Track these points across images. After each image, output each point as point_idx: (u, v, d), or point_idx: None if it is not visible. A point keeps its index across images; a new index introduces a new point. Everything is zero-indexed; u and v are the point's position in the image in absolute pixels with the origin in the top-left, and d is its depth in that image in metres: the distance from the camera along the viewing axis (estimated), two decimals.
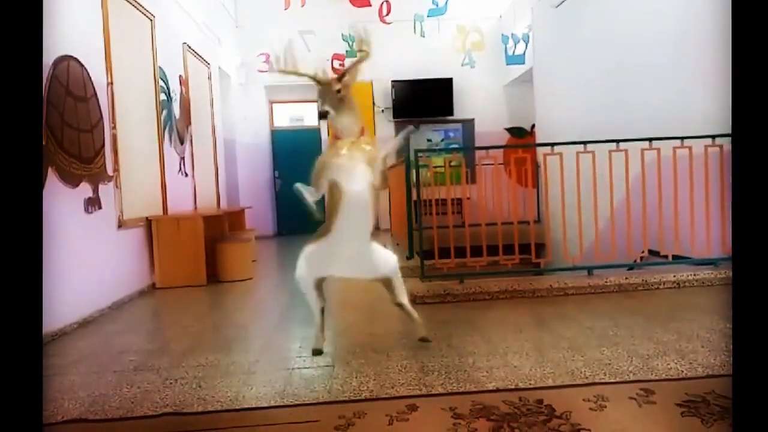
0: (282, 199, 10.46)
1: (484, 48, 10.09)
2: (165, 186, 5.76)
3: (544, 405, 2.13)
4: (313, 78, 2.75)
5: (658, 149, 4.26)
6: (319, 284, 2.95)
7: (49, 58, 3.73)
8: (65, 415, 2.29)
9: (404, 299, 2.97)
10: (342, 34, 9.45)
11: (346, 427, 2.03)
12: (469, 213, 4.97)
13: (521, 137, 10.27)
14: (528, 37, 8.85)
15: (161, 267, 5.23)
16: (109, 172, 4.56)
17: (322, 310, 3.01)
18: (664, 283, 4.18)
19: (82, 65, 4.18)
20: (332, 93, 2.69)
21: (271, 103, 10.58)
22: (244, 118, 9.97)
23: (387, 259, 2.94)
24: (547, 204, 4.58)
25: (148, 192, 5.39)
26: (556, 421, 1.99)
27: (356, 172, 2.71)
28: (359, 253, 2.87)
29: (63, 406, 2.37)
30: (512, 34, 9.36)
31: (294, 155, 10.44)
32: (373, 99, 10.29)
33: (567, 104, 7.46)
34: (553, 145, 4.40)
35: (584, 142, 4.30)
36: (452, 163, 5.25)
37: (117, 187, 4.68)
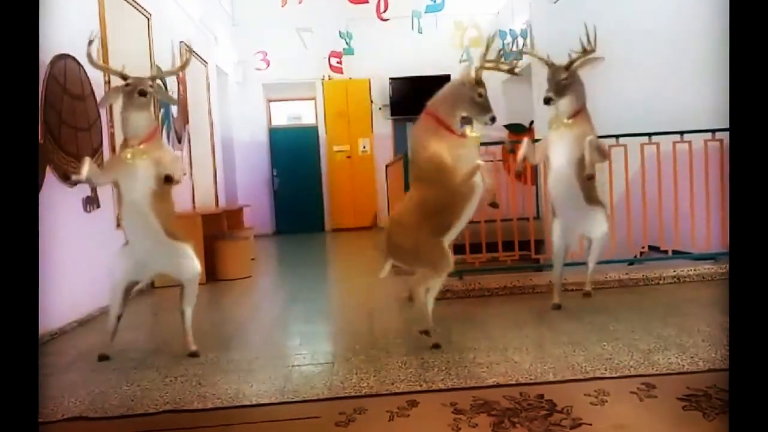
0: (280, 197, 10.44)
1: (482, 44, 10.06)
2: None
3: (545, 400, 2.13)
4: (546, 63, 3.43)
5: (658, 144, 4.25)
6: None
7: (46, 57, 3.70)
8: (65, 413, 2.28)
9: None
10: (339, 31, 9.42)
11: (346, 423, 2.03)
12: None
13: (520, 133, 10.24)
14: (526, 32, 8.83)
15: None
16: None
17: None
18: (664, 278, 4.17)
19: (79, 64, 4.15)
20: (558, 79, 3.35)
21: (269, 101, 10.55)
22: (242, 117, 9.94)
23: None
24: (546, 200, 4.57)
25: None
26: (557, 416, 1.99)
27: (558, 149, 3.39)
28: None
29: (63, 405, 2.36)
30: (510, 30, 9.33)
31: (292, 154, 10.42)
32: (371, 96, 10.27)
33: None
34: None
35: None
36: None
37: (115, 186, 4.65)
